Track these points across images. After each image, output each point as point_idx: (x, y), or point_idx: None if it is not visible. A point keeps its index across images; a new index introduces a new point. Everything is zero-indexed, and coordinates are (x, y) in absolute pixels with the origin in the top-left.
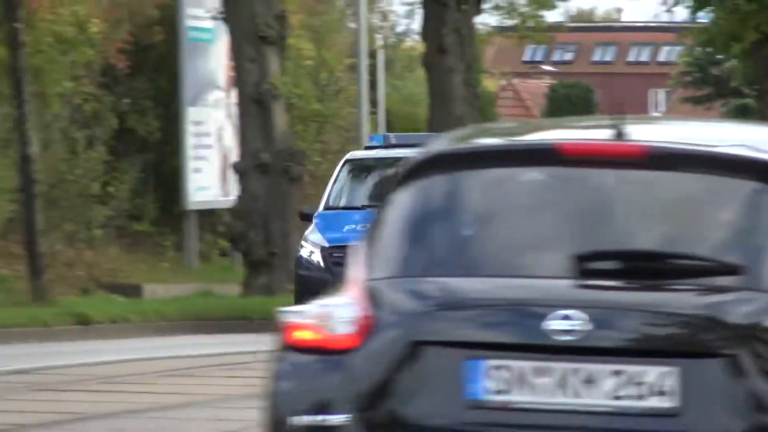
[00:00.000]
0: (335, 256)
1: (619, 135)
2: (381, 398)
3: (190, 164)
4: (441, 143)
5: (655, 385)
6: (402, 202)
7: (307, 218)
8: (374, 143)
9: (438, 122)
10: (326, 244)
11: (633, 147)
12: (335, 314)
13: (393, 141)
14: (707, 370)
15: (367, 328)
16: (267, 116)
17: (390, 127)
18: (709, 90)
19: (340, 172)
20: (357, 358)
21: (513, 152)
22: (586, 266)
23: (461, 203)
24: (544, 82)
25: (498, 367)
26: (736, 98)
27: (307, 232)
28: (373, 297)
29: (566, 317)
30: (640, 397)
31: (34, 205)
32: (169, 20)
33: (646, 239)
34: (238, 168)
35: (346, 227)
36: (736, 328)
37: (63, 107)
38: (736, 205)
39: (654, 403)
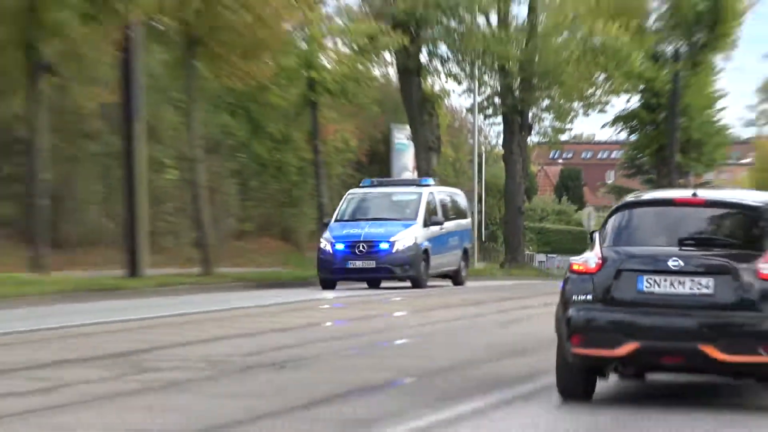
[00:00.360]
0: (337, 247)
1: (695, 194)
2: (606, 290)
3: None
4: (628, 198)
5: (706, 285)
6: (612, 219)
7: (325, 226)
8: (365, 184)
9: (509, 188)
10: (333, 240)
11: (700, 199)
12: (589, 259)
13: (376, 183)
14: (725, 279)
15: (601, 265)
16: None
17: (486, 190)
18: (634, 171)
19: (344, 199)
20: (597, 276)
21: (656, 201)
22: (681, 242)
23: (634, 220)
24: (558, 168)
25: (648, 279)
26: (646, 175)
27: (324, 233)
28: (603, 253)
29: (674, 260)
30: (699, 289)
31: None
32: (387, 139)
33: (705, 233)
34: None
35: (345, 231)
36: (735, 263)
37: (338, 180)
38: (736, 221)
39: (704, 291)
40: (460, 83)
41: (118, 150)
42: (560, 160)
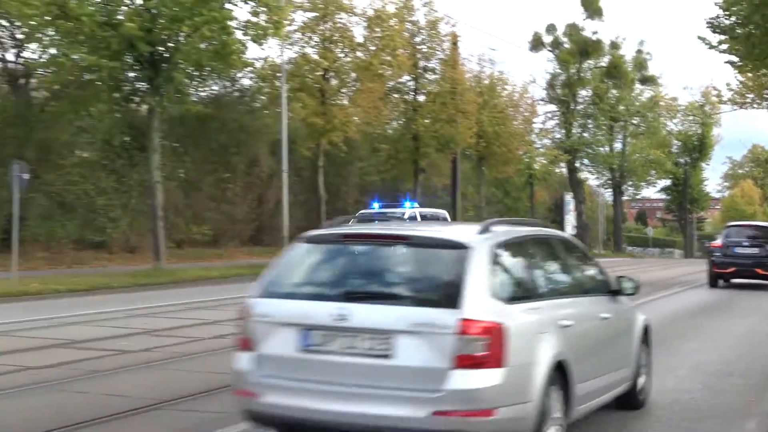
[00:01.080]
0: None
1: (748, 222)
2: (724, 252)
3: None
4: (729, 223)
5: (755, 250)
6: (724, 230)
7: None
8: (371, 207)
9: (615, 219)
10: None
11: (749, 224)
12: (718, 242)
13: (380, 205)
14: (760, 249)
15: (722, 245)
16: (582, 218)
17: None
18: (669, 212)
19: (356, 215)
20: (721, 248)
21: (736, 225)
22: (745, 237)
23: (731, 230)
24: (636, 210)
25: (737, 248)
26: (673, 214)
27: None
28: (722, 241)
29: (745, 242)
30: (752, 251)
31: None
32: (562, 198)
33: (753, 234)
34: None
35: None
36: (762, 242)
37: (541, 215)
38: (761, 230)
39: (755, 251)
40: (593, 175)
41: (449, 202)
42: (636, 207)
